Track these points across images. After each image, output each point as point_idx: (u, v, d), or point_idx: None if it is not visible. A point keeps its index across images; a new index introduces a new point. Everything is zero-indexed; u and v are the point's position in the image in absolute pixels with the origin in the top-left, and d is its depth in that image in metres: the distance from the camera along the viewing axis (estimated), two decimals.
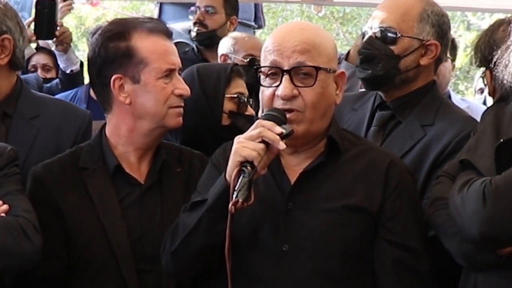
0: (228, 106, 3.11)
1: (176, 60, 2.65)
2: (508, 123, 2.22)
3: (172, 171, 2.71)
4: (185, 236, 2.34)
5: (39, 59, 5.41)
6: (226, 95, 3.11)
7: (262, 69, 2.35)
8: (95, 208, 2.63)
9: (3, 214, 2.43)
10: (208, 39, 4.87)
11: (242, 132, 2.30)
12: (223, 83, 3.11)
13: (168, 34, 2.70)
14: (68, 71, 4.68)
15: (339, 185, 2.36)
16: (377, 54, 2.80)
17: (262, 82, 2.36)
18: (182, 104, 2.65)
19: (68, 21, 4.78)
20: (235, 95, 3.13)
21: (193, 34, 4.86)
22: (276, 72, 2.32)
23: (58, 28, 4.36)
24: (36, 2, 4.33)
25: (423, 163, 2.69)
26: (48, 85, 4.97)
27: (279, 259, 2.32)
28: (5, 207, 2.45)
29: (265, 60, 2.35)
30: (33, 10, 4.61)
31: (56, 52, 4.67)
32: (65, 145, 2.90)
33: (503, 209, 2.02)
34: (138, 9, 11.78)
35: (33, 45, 4.95)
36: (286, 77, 2.30)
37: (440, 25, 2.87)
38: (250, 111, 3.12)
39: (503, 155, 2.13)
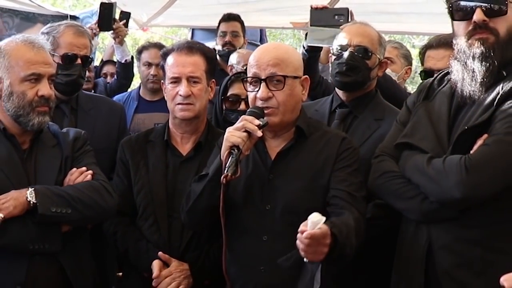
0: None
1: None
2: (437, 118, 2.21)
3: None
4: (194, 200, 2.37)
5: (108, 69, 5.58)
6: None
7: (247, 78, 2.38)
8: (148, 168, 2.73)
9: (89, 177, 2.48)
10: None
11: None
12: None
13: None
14: (123, 61, 4.66)
15: (306, 160, 2.37)
16: (358, 65, 2.81)
17: (247, 88, 2.38)
18: (184, 102, 2.67)
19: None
20: None
21: (223, 52, 4.71)
22: (256, 80, 2.34)
23: (115, 23, 4.39)
24: (100, 4, 4.39)
25: None
26: (109, 83, 5.05)
27: (263, 215, 2.34)
28: (91, 172, 2.51)
29: (249, 72, 2.38)
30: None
31: (114, 46, 4.65)
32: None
33: (481, 178, 1.96)
34: (177, 33, 11.74)
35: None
36: (263, 84, 2.32)
37: (385, 47, 2.94)
38: None
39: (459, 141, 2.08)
